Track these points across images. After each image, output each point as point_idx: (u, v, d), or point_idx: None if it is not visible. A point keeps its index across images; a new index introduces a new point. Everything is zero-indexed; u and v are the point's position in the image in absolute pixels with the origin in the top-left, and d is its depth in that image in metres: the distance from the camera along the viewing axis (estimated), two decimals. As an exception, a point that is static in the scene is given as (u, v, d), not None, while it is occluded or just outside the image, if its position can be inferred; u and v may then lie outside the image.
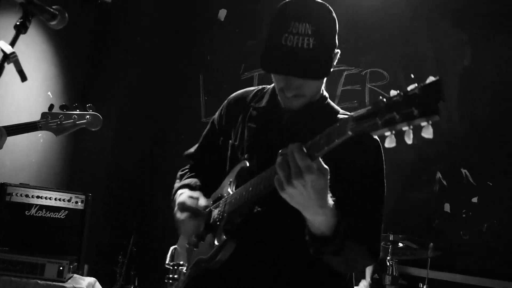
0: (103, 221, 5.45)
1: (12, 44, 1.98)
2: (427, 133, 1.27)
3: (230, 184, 2.04)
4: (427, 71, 5.39)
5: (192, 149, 2.50)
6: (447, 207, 5.13)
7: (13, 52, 1.97)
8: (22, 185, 4.35)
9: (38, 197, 4.32)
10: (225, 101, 2.34)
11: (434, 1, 5.46)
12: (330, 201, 1.64)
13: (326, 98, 2.12)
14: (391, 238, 4.21)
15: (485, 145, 5.10)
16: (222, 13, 6.05)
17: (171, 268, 2.32)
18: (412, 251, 4.36)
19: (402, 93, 1.27)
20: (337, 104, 4.79)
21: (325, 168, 1.54)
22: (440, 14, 5.43)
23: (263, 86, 2.28)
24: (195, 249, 2.12)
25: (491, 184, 5.03)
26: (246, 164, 1.99)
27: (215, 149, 2.30)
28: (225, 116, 2.30)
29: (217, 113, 2.38)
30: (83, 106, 3.15)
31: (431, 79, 1.24)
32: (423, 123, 1.26)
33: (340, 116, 2.01)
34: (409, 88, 1.27)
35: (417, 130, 1.28)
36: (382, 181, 1.96)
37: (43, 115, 3.12)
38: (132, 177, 5.92)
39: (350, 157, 1.67)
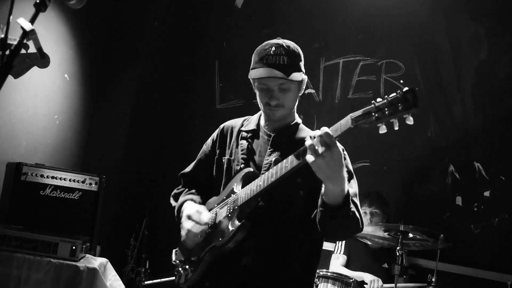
0: (116, 204, 5.47)
1: (32, 21, 1.96)
2: (409, 121, 1.88)
3: (235, 186, 2.55)
4: (443, 63, 5.36)
5: (187, 169, 2.99)
6: (458, 200, 5.12)
7: (33, 30, 1.95)
8: (38, 165, 4.37)
9: (53, 177, 4.34)
10: (217, 129, 2.90)
11: (452, -6, 5.42)
12: (345, 175, 2.17)
13: (299, 124, 2.75)
14: (401, 228, 4.18)
15: (498, 139, 5.07)
16: (240, 0, 6.03)
17: (179, 262, 2.75)
18: (422, 242, 4.34)
19: (387, 97, 1.91)
20: (352, 94, 5.13)
21: (342, 147, 2.13)
22: (458, 7, 5.38)
23: (248, 116, 2.87)
24: (204, 242, 2.60)
25: (503, 178, 5.00)
26: (250, 169, 2.56)
27: (208, 169, 2.84)
28: (218, 140, 2.85)
29: (209, 139, 2.92)
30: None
31: (406, 88, 1.88)
32: (405, 115, 1.87)
33: (311, 134, 2.48)
34: (391, 95, 1.89)
35: (401, 120, 1.89)
36: (352, 172, 2.54)
37: None
38: (146, 160, 5.93)
39: None
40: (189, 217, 2.60)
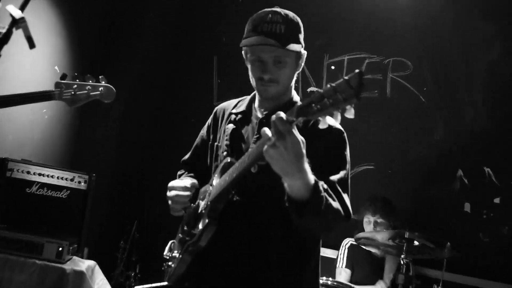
0: (106, 204, 5.47)
1: (22, 9, 1.97)
2: (350, 114, 1.67)
3: (215, 178, 2.47)
4: (453, 63, 5.37)
5: (186, 156, 2.97)
6: (467, 207, 5.12)
7: (22, 17, 1.96)
8: (24, 161, 4.35)
9: (40, 174, 4.33)
10: (212, 112, 2.84)
11: (464, -10, 5.43)
12: (307, 166, 1.98)
13: (297, 102, 2.57)
14: (406, 235, 4.17)
15: (510, 143, 5.08)
16: (241, -7, 6.03)
17: (168, 258, 2.72)
18: (428, 250, 4.34)
19: (331, 84, 1.68)
20: None
21: (301, 137, 1.91)
22: (469, 4, 5.38)
23: (245, 96, 2.75)
24: (187, 238, 2.53)
25: (515, 184, 5.01)
26: (228, 160, 2.42)
27: (204, 156, 2.78)
28: (212, 124, 2.81)
29: (206, 124, 2.88)
30: (95, 77, 3.12)
31: (355, 71, 1.64)
32: (347, 106, 1.66)
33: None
34: (338, 80, 1.66)
35: (343, 111, 1.68)
36: (345, 157, 2.45)
37: (57, 84, 3.08)
38: (138, 159, 5.93)
39: (322, 140, 2.12)
40: (171, 188, 2.55)
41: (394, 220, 4.79)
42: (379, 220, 4.74)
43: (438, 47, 5.44)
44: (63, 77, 3.11)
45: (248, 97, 2.72)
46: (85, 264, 4.08)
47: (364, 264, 4.83)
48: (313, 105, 1.73)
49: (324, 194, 2.09)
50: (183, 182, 2.54)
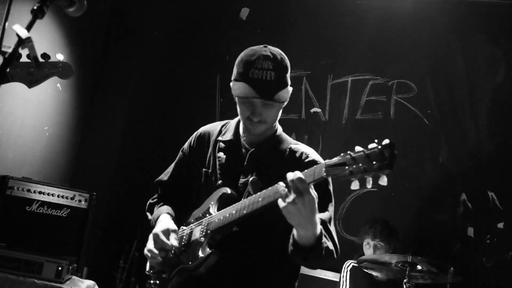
0: (106, 223, 5.46)
1: (28, 29, 1.98)
2: (382, 181, 1.85)
3: (211, 206, 2.58)
4: (457, 86, 5.39)
5: (164, 177, 3.02)
6: (470, 231, 5.11)
7: (29, 37, 1.97)
8: (25, 179, 4.37)
9: (40, 192, 4.34)
10: (194, 134, 2.92)
11: (469, 13, 5.46)
12: (318, 219, 2.22)
13: (280, 134, 2.73)
14: (409, 259, 4.17)
15: (515, 167, 5.08)
16: (244, 12, 6.06)
17: (152, 275, 2.73)
18: (430, 275, 4.33)
19: (365, 150, 1.86)
20: (360, 115, 5.16)
21: (316, 194, 2.14)
22: (474, 27, 5.42)
23: (227, 120, 2.86)
24: (175, 260, 2.60)
25: (519, 209, 5.01)
26: (227, 190, 2.56)
27: (185, 177, 2.88)
28: (196, 147, 2.86)
29: (186, 144, 2.94)
30: (52, 54, 2.99)
31: (386, 141, 1.82)
32: (380, 174, 1.83)
33: (291, 146, 2.68)
34: (370, 146, 1.85)
35: (375, 178, 1.85)
36: (330, 192, 2.61)
37: (13, 65, 2.87)
38: (139, 178, 5.93)
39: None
40: (155, 236, 2.59)
41: (394, 243, 4.79)
42: (379, 244, 4.72)
43: (442, 70, 5.47)
44: (18, 57, 2.95)
45: (232, 124, 2.81)
46: (84, 284, 4.09)
47: (366, 287, 4.82)
48: (347, 166, 1.91)
49: (324, 239, 2.34)
50: (169, 243, 2.56)
